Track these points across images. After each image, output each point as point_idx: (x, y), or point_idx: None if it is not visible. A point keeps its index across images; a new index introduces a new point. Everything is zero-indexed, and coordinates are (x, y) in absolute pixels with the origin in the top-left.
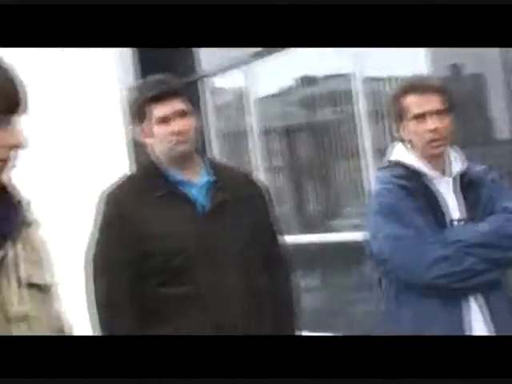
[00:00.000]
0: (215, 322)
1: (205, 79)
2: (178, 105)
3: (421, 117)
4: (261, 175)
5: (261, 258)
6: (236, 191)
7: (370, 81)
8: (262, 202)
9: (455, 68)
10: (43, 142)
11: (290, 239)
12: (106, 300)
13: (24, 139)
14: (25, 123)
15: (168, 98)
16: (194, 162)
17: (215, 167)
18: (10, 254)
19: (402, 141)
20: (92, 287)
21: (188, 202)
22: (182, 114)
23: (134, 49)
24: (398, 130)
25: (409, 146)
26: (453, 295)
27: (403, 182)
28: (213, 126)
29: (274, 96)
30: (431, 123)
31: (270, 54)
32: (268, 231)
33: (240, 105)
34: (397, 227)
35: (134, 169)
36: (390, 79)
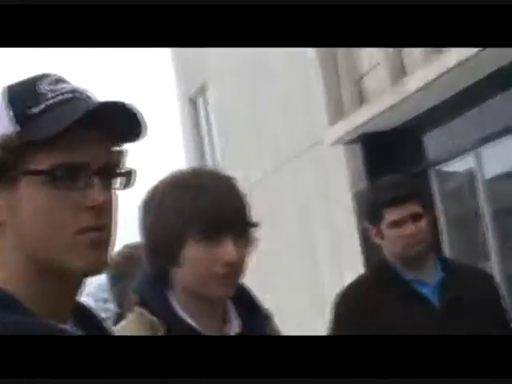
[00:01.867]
0: None
1: (432, 167)
2: (412, 208)
3: None
4: (494, 258)
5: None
6: (469, 288)
7: None
8: (495, 297)
9: None
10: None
11: None
12: None
13: (237, 257)
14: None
15: (403, 202)
16: (427, 261)
17: (448, 265)
18: None
19: None
20: None
21: (423, 301)
22: (416, 217)
23: (360, 144)
24: None
25: None
26: None
27: None
28: (442, 210)
29: (505, 176)
30: None
31: (498, 136)
32: (503, 326)
33: (469, 188)
34: None
35: (368, 270)
36: None
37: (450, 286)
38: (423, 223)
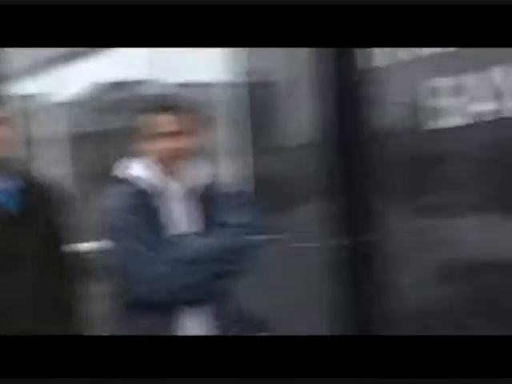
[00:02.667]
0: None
1: (12, 81)
2: None
3: (160, 136)
4: (63, 181)
5: (52, 263)
6: (39, 196)
7: (172, 87)
8: (59, 207)
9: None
10: None
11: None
12: None
13: None
14: None
15: None
16: (2, 169)
17: (21, 173)
18: None
19: (139, 156)
20: None
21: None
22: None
23: None
24: (136, 146)
25: (146, 162)
26: (175, 310)
27: (132, 198)
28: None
29: (78, 101)
30: (169, 143)
31: (78, 56)
32: (61, 236)
33: (46, 109)
34: (122, 244)
35: None
36: (190, 85)
37: (26, 194)
38: (5, 129)
